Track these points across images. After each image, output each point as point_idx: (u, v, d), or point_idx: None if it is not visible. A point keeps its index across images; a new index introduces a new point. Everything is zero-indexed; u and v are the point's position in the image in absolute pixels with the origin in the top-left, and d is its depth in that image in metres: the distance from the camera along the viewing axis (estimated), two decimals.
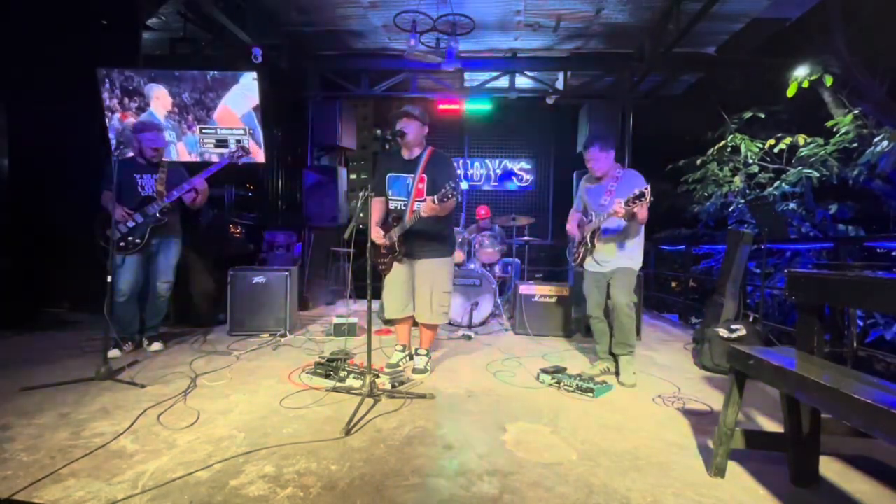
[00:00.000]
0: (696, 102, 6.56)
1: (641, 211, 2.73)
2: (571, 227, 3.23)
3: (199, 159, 5.01)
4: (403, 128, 2.86)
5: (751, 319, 3.64)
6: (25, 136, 4.59)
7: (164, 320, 3.61)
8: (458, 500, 1.61)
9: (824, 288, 1.74)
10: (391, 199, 3.01)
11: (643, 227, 3.00)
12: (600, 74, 5.86)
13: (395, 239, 2.91)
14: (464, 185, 7.63)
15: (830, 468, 1.89)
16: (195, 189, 3.34)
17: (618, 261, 2.98)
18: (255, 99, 4.89)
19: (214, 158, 4.93)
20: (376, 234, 2.93)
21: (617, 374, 3.06)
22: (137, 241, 3.28)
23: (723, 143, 5.74)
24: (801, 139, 4.92)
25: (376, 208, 2.99)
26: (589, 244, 3.03)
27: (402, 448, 1.98)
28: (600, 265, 3.04)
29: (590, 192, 3.10)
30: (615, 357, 3.10)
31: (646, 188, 2.58)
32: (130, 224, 3.25)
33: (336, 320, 4.10)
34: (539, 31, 5.01)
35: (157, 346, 3.46)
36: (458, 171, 7.33)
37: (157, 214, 3.30)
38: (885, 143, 4.06)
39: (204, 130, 5.03)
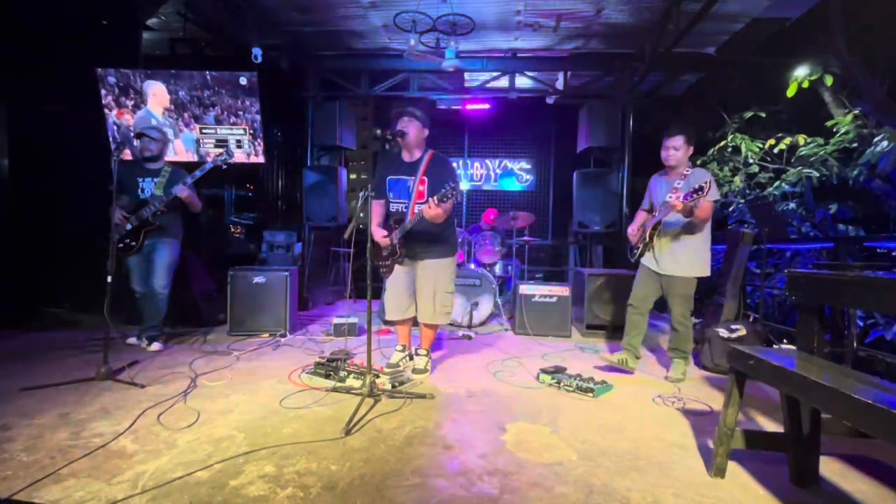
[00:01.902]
0: (696, 102, 6.55)
1: (701, 208, 2.75)
2: (632, 228, 3.23)
3: (196, 158, 5.02)
4: (404, 128, 2.86)
5: (751, 319, 3.65)
6: (25, 135, 4.59)
7: (164, 320, 3.62)
8: (458, 500, 1.61)
9: (824, 288, 1.74)
10: (392, 202, 3.01)
11: (708, 231, 2.97)
12: (600, 74, 5.86)
13: (396, 241, 2.91)
14: (464, 185, 7.62)
15: (830, 468, 1.90)
16: (178, 198, 3.39)
17: (677, 267, 2.97)
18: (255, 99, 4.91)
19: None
20: (378, 234, 2.92)
21: (668, 369, 3.19)
22: (133, 243, 3.40)
23: (723, 143, 5.74)
24: (801, 139, 4.91)
25: (376, 212, 2.98)
26: (647, 238, 3.03)
27: (402, 448, 1.98)
28: (657, 264, 3.04)
29: (657, 188, 3.11)
30: (670, 358, 3.17)
31: (705, 182, 2.62)
32: (129, 227, 3.37)
33: (336, 320, 4.10)
34: (539, 31, 5.01)
35: (156, 346, 3.47)
36: (459, 172, 7.34)
37: (150, 218, 3.38)
38: (885, 143, 4.05)
39: (204, 130, 5.03)
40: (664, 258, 3.00)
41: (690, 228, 2.93)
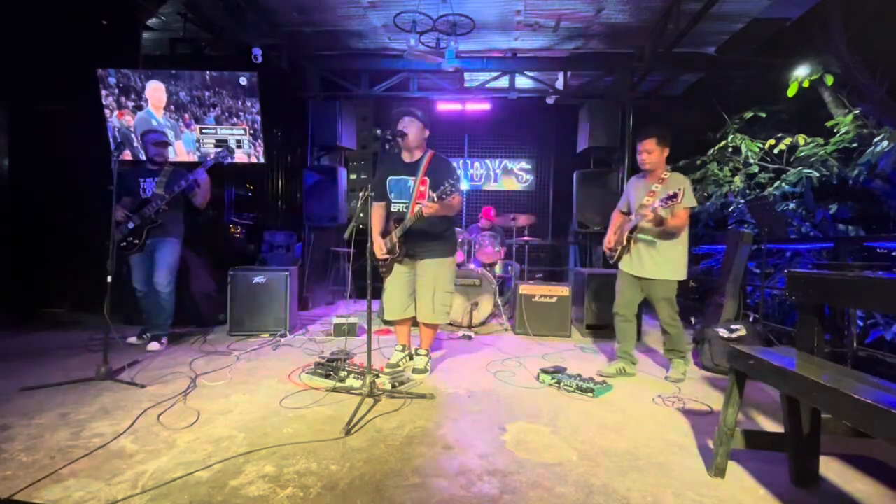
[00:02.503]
0: (696, 102, 6.55)
1: (675, 215, 2.74)
2: (608, 238, 3.22)
3: (197, 158, 5.03)
4: (404, 128, 2.85)
5: (751, 319, 3.64)
6: (25, 135, 4.59)
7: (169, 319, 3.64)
8: (458, 500, 1.61)
9: (824, 288, 1.74)
10: (393, 202, 3.00)
11: (686, 234, 2.96)
12: (600, 74, 5.86)
13: (396, 239, 2.91)
14: (464, 186, 7.63)
15: (830, 468, 1.90)
16: (197, 183, 3.47)
17: (657, 270, 2.96)
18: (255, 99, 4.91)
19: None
20: (377, 247, 2.93)
21: (667, 369, 3.20)
22: (135, 241, 3.46)
23: (723, 143, 5.74)
24: (801, 139, 4.91)
25: (377, 214, 2.98)
26: (625, 242, 3.03)
27: (402, 448, 1.98)
28: (635, 268, 3.03)
29: (635, 190, 3.10)
30: (669, 360, 3.17)
31: (678, 191, 2.60)
32: (130, 225, 3.42)
33: (336, 320, 4.10)
34: (539, 31, 5.01)
35: (154, 345, 3.49)
36: (459, 172, 7.34)
37: (152, 216, 3.44)
38: (885, 143, 4.05)
39: (204, 131, 5.03)
40: (643, 262, 3.00)
41: (666, 234, 2.92)
